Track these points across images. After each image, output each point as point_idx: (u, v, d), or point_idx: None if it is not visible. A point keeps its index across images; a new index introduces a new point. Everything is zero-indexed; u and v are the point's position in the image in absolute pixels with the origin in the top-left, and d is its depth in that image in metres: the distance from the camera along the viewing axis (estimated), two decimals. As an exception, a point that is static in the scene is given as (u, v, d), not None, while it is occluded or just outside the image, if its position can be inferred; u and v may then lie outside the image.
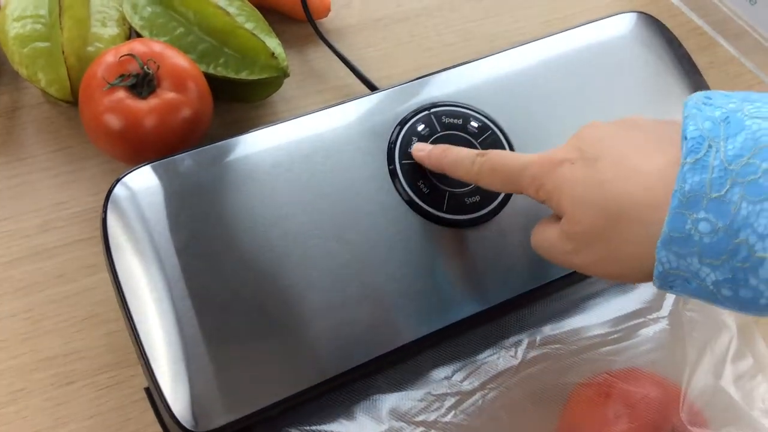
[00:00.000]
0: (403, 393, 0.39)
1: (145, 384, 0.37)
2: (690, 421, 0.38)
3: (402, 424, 0.38)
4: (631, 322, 0.42)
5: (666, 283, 0.30)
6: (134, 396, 0.40)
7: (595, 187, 0.31)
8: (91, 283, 0.43)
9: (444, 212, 0.40)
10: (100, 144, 0.43)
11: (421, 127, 0.42)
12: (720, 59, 0.59)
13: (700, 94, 0.31)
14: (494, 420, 0.38)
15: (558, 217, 0.34)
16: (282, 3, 0.52)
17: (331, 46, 0.51)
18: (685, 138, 0.29)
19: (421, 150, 0.40)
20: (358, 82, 0.51)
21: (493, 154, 0.36)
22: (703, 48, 0.60)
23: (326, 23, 0.54)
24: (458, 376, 0.40)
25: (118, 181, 0.38)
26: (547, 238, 0.34)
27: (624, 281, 0.36)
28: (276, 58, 0.46)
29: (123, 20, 0.48)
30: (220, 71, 0.46)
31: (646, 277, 0.31)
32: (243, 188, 0.39)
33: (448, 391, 0.39)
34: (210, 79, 0.45)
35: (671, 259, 0.29)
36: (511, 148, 0.42)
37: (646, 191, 0.30)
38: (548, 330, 0.42)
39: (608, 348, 0.41)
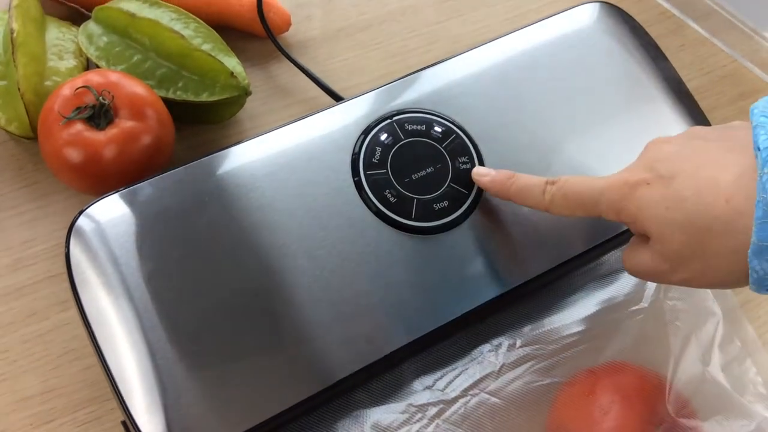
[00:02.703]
0: (385, 406, 0.39)
1: (122, 418, 0.36)
2: (677, 412, 0.38)
3: (385, 439, 0.37)
4: (612, 316, 0.42)
5: (763, 287, 0.30)
6: (114, 430, 0.39)
7: (677, 206, 0.32)
8: (64, 319, 0.42)
9: (413, 220, 0.40)
10: (63, 178, 0.43)
11: (384, 137, 0.41)
12: (690, 41, 0.59)
13: (765, 101, 0.32)
14: (478, 427, 0.38)
15: (643, 239, 0.34)
16: (241, 20, 0.52)
17: (292, 60, 0.51)
18: (758, 149, 0.30)
19: (483, 175, 0.40)
20: (324, 94, 0.50)
21: (564, 181, 0.36)
22: (672, 31, 0.59)
23: (288, 37, 0.54)
24: (439, 385, 0.39)
25: (80, 213, 0.38)
26: (640, 262, 0.35)
27: (725, 288, 0.37)
28: (236, 77, 0.45)
29: (79, 52, 0.47)
30: (180, 95, 0.45)
31: (744, 282, 0.31)
32: (208, 211, 0.38)
33: (430, 400, 0.39)
34: (171, 103, 0.45)
35: (764, 266, 0.29)
36: (477, 150, 0.42)
37: (728, 203, 0.30)
38: (528, 331, 0.41)
39: (590, 344, 0.41)
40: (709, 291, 0.43)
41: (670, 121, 0.46)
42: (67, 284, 0.43)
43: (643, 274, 0.35)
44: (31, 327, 0.42)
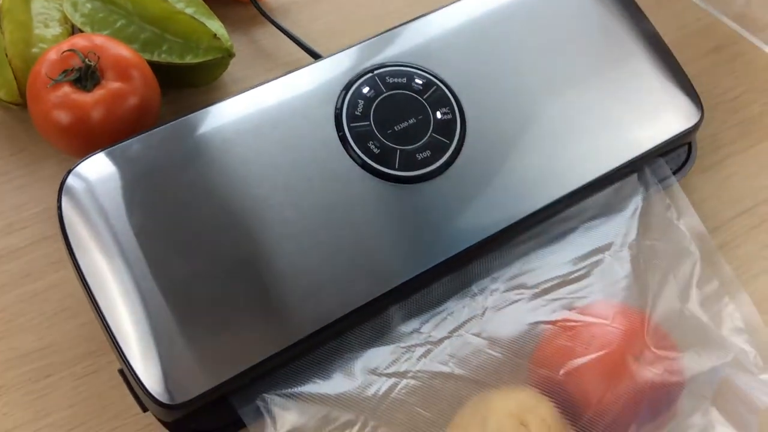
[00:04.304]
0: (375, 349, 0.40)
1: (119, 366, 0.37)
2: (657, 345, 0.39)
3: (375, 377, 0.38)
4: (592, 259, 0.43)
5: None
6: (112, 381, 0.40)
7: None
8: (58, 279, 0.43)
9: (397, 170, 0.41)
10: (53, 141, 0.44)
11: (366, 90, 0.42)
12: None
13: None
14: (463, 364, 0.39)
15: None
16: (223, -14, 0.53)
17: (274, 22, 0.52)
18: None
19: None
20: (307, 56, 0.51)
21: None
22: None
23: (270, 2, 0.55)
24: (426, 328, 0.40)
25: (69, 172, 0.39)
26: None
27: None
28: (219, 39, 0.46)
29: (65, 19, 0.48)
30: (165, 58, 0.46)
31: None
32: (194, 166, 0.39)
33: (418, 342, 0.40)
34: (156, 67, 0.45)
35: None
36: (458, 102, 0.43)
37: None
38: (511, 275, 0.42)
39: (571, 286, 0.42)
40: (686, 232, 0.44)
41: (649, 73, 0.47)
42: (59, 245, 0.44)
43: None
44: (26, 287, 0.43)
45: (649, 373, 0.38)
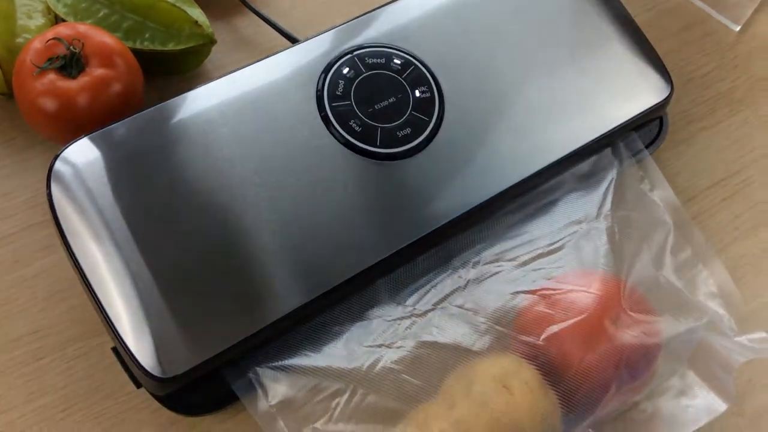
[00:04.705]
0: (362, 323, 0.41)
1: (113, 345, 0.38)
2: (634, 309, 0.40)
3: (363, 348, 0.39)
4: (569, 230, 0.44)
5: None
6: (104, 362, 0.41)
7: None
8: (47, 264, 0.44)
9: (379, 147, 0.42)
10: (40, 129, 0.44)
11: (346, 70, 0.43)
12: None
13: None
14: (448, 334, 0.40)
15: None
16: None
17: (253, 9, 0.52)
18: None
19: None
20: (287, 43, 0.52)
21: None
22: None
23: (249, -9, 0.55)
24: (411, 301, 0.42)
25: (56, 157, 0.39)
26: None
27: None
28: (200, 26, 0.47)
29: (48, 10, 0.49)
30: (147, 45, 0.47)
31: None
32: (179, 147, 0.40)
33: (403, 314, 0.41)
34: (140, 54, 0.46)
35: None
36: (436, 81, 0.44)
37: None
38: (491, 248, 0.44)
39: (550, 257, 0.43)
40: (660, 203, 0.46)
41: (620, 52, 0.48)
42: (47, 231, 0.45)
43: None
44: (16, 273, 0.44)
45: (627, 335, 0.39)
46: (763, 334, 0.42)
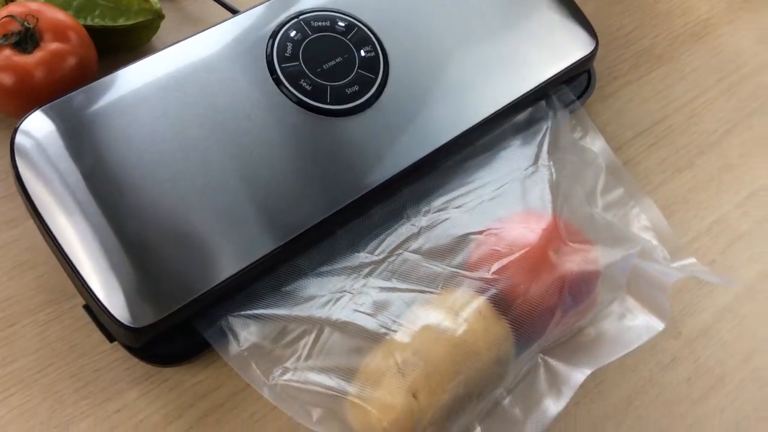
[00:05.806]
0: (325, 270, 0.43)
1: (84, 303, 0.40)
2: (572, 240, 0.44)
3: (327, 294, 0.42)
4: (511, 177, 0.47)
5: None
6: (76, 324, 0.43)
7: None
8: (14, 236, 0.45)
9: (329, 104, 0.44)
10: (-2, 105, 0.46)
11: (293, 33, 0.45)
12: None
13: None
14: (406, 277, 0.43)
15: None
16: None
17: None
18: None
19: None
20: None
21: None
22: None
23: (193, -30, 0.57)
24: (369, 249, 0.44)
25: (16, 129, 0.40)
26: None
27: None
28: (148, 1, 0.49)
29: (-4, -7, 0.50)
30: (98, 21, 0.48)
31: None
32: (136, 112, 0.42)
33: (363, 262, 0.44)
34: (91, 31, 0.47)
35: None
36: (379, 41, 0.47)
37: None
38: (440, 198, 0.46)
39: (494, 201, 0.46)
40: (592, 148, 0.50)
41: (548, 11, 0.51)
42: (12, 204, 0.46)
43: None
44: (-19, 247, 0.45)
45: (568, 263, 0.43)
46: (694, 260, 0.46)
